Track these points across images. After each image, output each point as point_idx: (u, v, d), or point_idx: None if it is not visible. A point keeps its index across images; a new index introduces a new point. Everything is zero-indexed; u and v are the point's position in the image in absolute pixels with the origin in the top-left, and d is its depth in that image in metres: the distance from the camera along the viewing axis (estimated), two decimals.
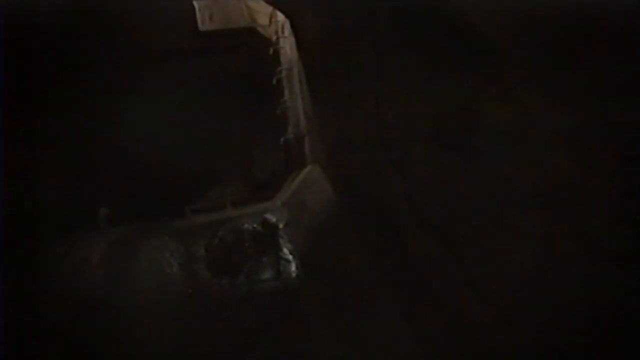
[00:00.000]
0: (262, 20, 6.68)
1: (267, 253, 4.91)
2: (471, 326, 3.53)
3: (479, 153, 3.05)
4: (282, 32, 6.43)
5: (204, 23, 6.49)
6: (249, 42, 6.78)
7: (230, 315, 4.47)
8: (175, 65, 6.82)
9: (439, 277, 3.81)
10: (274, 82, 6.50)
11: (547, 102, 2.49)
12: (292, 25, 5.99)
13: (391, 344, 4.09)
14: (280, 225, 5.09)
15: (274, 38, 6.55)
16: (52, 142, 5.90)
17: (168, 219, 5.56)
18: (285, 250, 4.93)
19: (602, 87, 2.23)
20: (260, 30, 6.70)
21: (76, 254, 4.97)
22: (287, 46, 6.42)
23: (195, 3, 6.51)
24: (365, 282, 4.59)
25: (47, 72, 5.73)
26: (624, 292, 2.34)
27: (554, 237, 2.67)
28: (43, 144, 5.76)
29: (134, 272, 4.73)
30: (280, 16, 6.36)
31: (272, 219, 5.11)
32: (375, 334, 4.22)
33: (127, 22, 6.21)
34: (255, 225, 5.06)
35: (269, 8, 6.52)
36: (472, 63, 2.89)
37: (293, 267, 4.87)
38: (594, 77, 2.22)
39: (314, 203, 5.51)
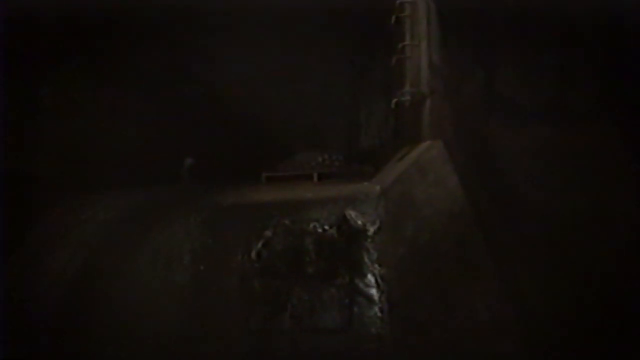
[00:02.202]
0: None
1: (337, 280, 2.92)
2: None
3: None
4: None
5: None
6: None
7: None
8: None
9: None
10: (392, 20, 5.15)
11: None
12: None
13: None
14: (370, 230, 3.09)
15: None
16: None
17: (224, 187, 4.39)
18: (369, 278, 2.88)
19: None
20: None
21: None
22: None
23: None
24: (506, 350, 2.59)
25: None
26: None
27: None
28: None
29: (126, 271, 3.06)
30: None
31: (357, 220, 3.11)
32: None
33: None
34: (327, 227, 3.10)
35: None
36: None
37: (377, 312, 2.83)
38: None
39: (426, 200, 3.44)
